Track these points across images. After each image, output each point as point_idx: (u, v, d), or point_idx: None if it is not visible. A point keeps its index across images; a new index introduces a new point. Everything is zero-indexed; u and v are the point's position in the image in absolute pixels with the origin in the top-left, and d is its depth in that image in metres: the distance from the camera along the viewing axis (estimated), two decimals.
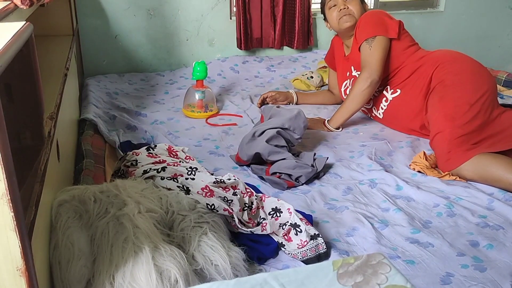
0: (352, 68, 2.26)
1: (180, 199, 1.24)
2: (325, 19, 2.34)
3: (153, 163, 1.49)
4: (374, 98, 2.19)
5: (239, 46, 3.15)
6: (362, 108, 2.23)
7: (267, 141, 1.71)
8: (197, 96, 2.36)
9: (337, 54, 2.42)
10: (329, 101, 2.55)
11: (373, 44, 2.07)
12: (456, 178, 1.70)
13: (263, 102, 2.50)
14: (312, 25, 3.26)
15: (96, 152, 1.76)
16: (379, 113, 2.20)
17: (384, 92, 2.14)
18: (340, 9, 2.19)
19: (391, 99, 2.12)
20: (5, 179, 0.63)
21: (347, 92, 2.28)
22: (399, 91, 2.09)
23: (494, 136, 1.76)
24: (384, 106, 2.15)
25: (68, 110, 1.77)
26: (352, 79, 2.25)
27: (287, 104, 2.51)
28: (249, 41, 3.16)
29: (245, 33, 3.12)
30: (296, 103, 2.52)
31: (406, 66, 2.07)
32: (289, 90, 2.58)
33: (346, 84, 2.32)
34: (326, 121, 2.17)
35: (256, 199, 1.38)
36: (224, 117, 2.36)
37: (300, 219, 1.29)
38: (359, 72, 2.16)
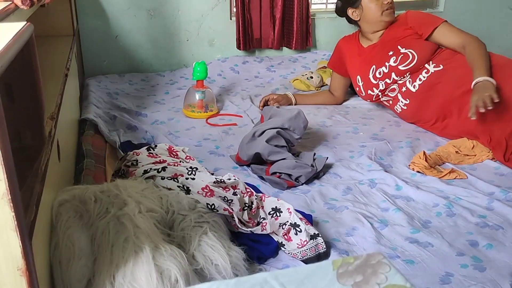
0: (399, 47, 2.22)
1: (180, 199, 1.24)
2: (354, 5, 2.33)
3: (153, 163, 1.49)
4: (413, 70, 2.18)
5: (238, 47, 3.16)
6: (388, 85, 2.25)
7: (267, 141, 1.71)
8: (197, 96, 2.36)
9: (350, 53, 2.42)
10: (328, 101, 2.55)
11: (445, 28, 2.16)
12: (456, 177, 1.70)
13: (265, 105, 2.46)
14: (311, 26, 3.26)
15: (97, 152, 1.76)
16: (414, 85, 2.17)
17: (426, 65, 2.15)
18: (387, 2, 2.24)
19: (432, 71, 2.12)
20: (6, 179, 0.63)
21: (377, 75, 2.27)
22: (441, 66, 2.11)
23: None
24: (424, 77, 2.14)
25: (69, 110, 1.77)
26: (401, 55, 2.20)
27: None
28: (248, 41, 3.16)
29: (244, 33, 3.12)
30: (295, 105, 2.50)
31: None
32: (286, 93, 2.56)
33: (385, 66, 2.26)
34: (489, 79, 1.85)
35: (256, 199, 1.39)
36: (224, 117, 2.36)
37: (300, 218, 1.29)
38: (410, 50, 2.17)
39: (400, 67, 2.19)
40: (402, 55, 2.20)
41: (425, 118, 2.15)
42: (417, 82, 2.15)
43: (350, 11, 2.35)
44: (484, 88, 1.80)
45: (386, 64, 2.23)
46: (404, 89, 2.21)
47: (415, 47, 2.17)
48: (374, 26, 2.32)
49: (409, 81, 2.19)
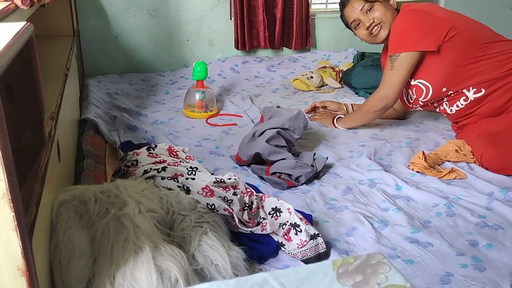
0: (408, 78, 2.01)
1: (180, 199, 1.24)
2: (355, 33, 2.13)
3: (153, 163, 1.49)
4: (450, 96, 1.95)
5: (237, 47, 3.16)
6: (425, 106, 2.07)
7: (267, 141, 1.71)
8: (197, 96, 2.36)
9: (384, 55, 2.19)
10: (390, 115, 2.27)
11: (396, 63, 1.91)
12: (455, 177, 1.70)
13: (313, 110, 2.38)
14: (311, 26, 3.27)
15: (97, 152, 1.76)
16: (451, 109, 1.98)
17: (465, 91, 1.90)
18: (367, 27, 1.99)
19: (472, 98, 1.89)
20: (6, 179, 0.63)
21: (409, 99, 2.09)
22: (483, 90, 1.86)
23: None
24: (462, 104, 1.93)
25: (69, 110, 1.77)
26: (414, 88, 2.01)
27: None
28: (247, 41, 3.16)
29: (242, 33, 3.12)
30: None
31: (488, 64, 1.85)
32: (345, 103, 2.38)
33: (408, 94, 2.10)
34: (335, 120, 2.18)
35: (256, 199, 1.39)
36: (224, 117, 2.36)
37: (300, 218, 1.29)
38: (419, 80, 1.97)
39: (421, 100, 2.01)
40: (415, 87, 2.00)
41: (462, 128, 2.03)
42: (454, 108, 1.96)
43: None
44: (324, 119, 2.22)
45: (408, 91, 2.05)
46: (442, 108, 2.03)
47: (423, 75, 1.95)
48: (380, 45, 2.11)
49: (446, 104, 1.99)
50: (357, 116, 2.15)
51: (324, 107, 2.36)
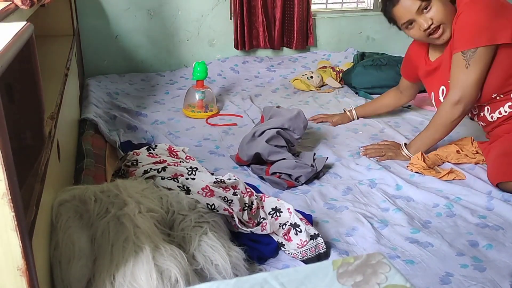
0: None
1: (180, 199, 1.24)
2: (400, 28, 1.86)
3: (153, 163, 1.49)
4: (494, 100, 1.73)
5: (236, 46, 3.16)
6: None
7: (267, 141, 1.71)
8: (197, 96, 2.36)
9: (419, 61, 1.96)
10: (394, 102, 2.22)
11: (472, 60, 1.63)
12: (454, 178, 1.70)
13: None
14: (312, 25, 3.27)
15: (97, 152, 1.76)
16: (492, 116, 1.77)
17: None
18: (425, 29, 1.71)
19: None
20: (6, 179, 0.63)
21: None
22: None
23: None
24: (505, 111, 1.72)
25: (69, 110, 1.77)
26: None
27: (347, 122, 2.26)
28: (247, 41, 3.16)
29: (242, 33, 3.12)
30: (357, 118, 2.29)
31: None
32: (350, 109, 2.29)
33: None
34: (403, 145, 1.87)
35: (256, 199, 1.39)
36: (224, 117, 2.36)
37: (300, 219, 1.29)
38: None
39: None
40: None
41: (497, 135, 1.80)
42: (496, 115, 1.75)
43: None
44: (396, 155, 1.85)
45: (440, 93, 1.85)
46: (482, 114, 1.81)
47: None
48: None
49: (487, 109, 1.77)
50: (430, 133, 1.80)
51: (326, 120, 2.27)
